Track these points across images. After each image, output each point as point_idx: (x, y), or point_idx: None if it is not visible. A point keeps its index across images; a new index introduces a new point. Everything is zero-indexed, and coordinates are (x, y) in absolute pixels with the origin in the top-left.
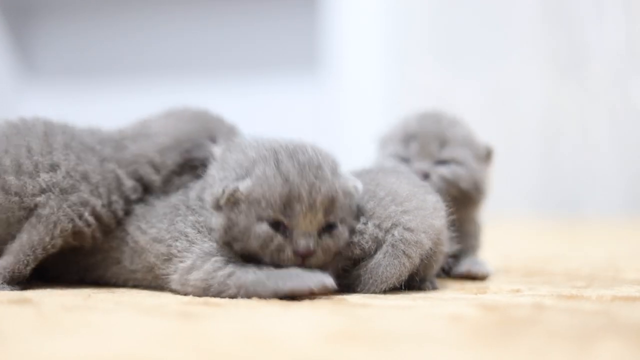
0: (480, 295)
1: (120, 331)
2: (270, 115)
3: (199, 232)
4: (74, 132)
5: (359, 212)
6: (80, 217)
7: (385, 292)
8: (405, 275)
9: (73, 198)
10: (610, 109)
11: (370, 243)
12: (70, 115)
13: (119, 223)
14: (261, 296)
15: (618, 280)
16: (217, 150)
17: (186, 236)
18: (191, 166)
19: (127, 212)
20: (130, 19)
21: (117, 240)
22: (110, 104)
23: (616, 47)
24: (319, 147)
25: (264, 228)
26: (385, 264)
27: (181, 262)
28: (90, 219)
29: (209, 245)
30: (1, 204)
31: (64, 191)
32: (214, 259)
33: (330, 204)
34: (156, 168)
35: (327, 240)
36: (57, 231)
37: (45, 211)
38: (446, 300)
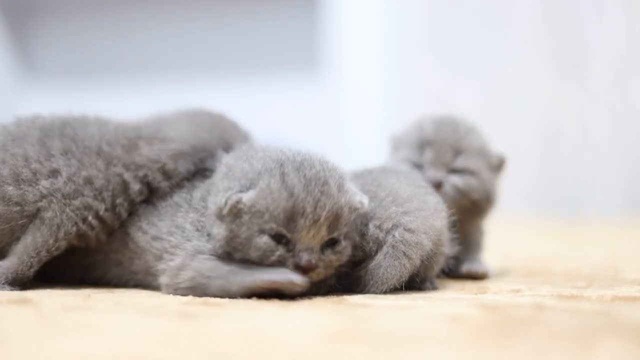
0: (480, 295)
1: (120, 331)
2: (270, 115)
3: (198, 230)
4: (75, 134)
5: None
6: (84, 220)
7: (385, 292)
8: (405, 276)
9: (76, 203)
10: (610, 109)
11: (370, 244)
12: None
13: (122, 224)
14: (228, 292)
15: (618, 280)
16: (224, 157)
17: (182, 231)
18: (202, 174)
19: (131, 213)
20: (130, 19)
21: (117, 242)
22: (110, 104)
23: (616, 47)
24: (327, 160)
25: (265, 240)
26: (386, 265)
27: (171, 260)
28: (94, 222)
29: (203, 244)
30: (3, 214)
31: (66, 196)
32: (201, 256)
33: (335, 220)
34: (167, 175)
35: (330, 256)
36: (61, 234)
37: (48, 214)
38: (446, 300)
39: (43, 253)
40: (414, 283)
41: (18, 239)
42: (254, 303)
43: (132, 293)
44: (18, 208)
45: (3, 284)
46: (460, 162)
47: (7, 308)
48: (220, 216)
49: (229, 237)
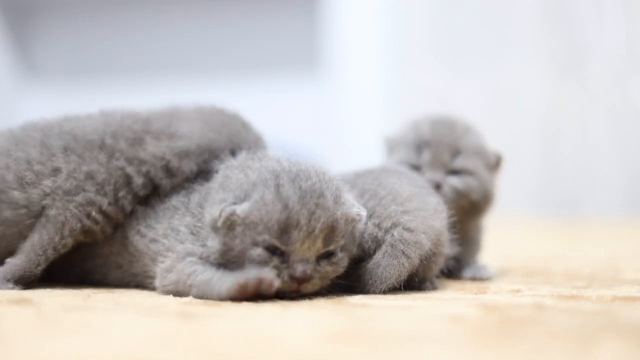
0: (480, 295)
1: (120, 331)
2: (270, 115)
3: (192, 233)
4: (75, 127)
5: None
6: (88, 216)
7: (385, 292)
8: (404, 275)
9: (79, 199)
10: (610, 109)
11: (369, 243)
12: None
13: (122, 228)
14: (208, 297)
15: (618, 280)
16: (228, 160)
17: (177, 234)
18: (204, 176)
19: (132, 213)
20: (130, 19)
21: (117, 245)
22: (110, 104)
23: (616, 47)
24: (324, 172)
25: (258, 252)
26: (385, 265)
27: (162, 262)
28: (99, 217)
29: (196, 247)
30: (11, 218)
31: (68, 193)
32: (189, 259)
33: (331, 232)
34: (170, 173)
35: (326, 267)
36: (66, 231)
37: (52, 212)
38: (446, 300)
39: (50, 251)
40: (413, 283)
41: (25, 237)
42: (254, 303)
43: (132, 293)
44: (25, 210)
45: (9, 280)
46: (458, 163)
47: (7, 308)
48: (215, 228)
49: (223, 250)
